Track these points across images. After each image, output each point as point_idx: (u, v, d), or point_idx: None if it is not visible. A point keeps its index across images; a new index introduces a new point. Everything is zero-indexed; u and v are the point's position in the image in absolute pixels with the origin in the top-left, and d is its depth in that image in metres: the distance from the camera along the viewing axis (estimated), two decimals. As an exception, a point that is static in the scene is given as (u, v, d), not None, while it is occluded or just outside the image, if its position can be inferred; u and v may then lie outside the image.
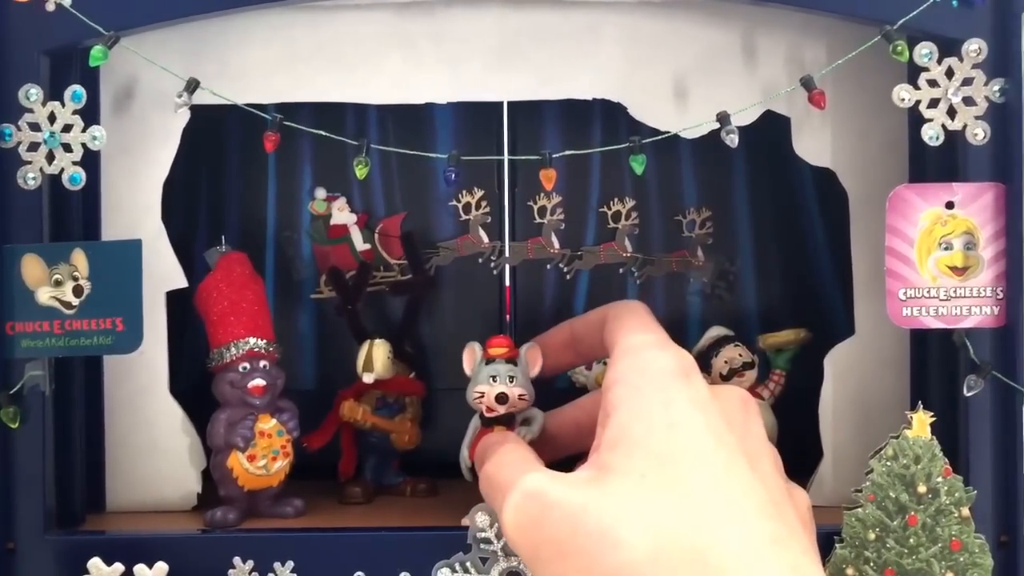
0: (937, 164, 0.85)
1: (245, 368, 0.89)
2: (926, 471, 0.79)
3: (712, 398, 0.59)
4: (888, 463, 0.79)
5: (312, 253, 1.08)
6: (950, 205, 0.83)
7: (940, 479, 0.79)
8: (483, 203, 1.07)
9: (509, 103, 1.04)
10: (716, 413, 0.57)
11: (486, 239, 1.07)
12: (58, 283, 0.81)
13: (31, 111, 0.81)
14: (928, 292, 0.82)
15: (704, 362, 1.00)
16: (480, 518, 0.80)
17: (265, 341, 0.91)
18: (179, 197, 1.02)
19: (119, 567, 0.80)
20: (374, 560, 0.83)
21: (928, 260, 0.82)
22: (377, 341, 0.97)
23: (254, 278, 0.94)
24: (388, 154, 0.95)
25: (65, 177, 0.82)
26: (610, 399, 0.58)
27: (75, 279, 0.81)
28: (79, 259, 0.81)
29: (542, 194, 1.06)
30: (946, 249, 0.82)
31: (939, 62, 0.82)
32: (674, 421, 0.54)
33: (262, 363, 0.90)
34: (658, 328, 0.66)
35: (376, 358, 0.96)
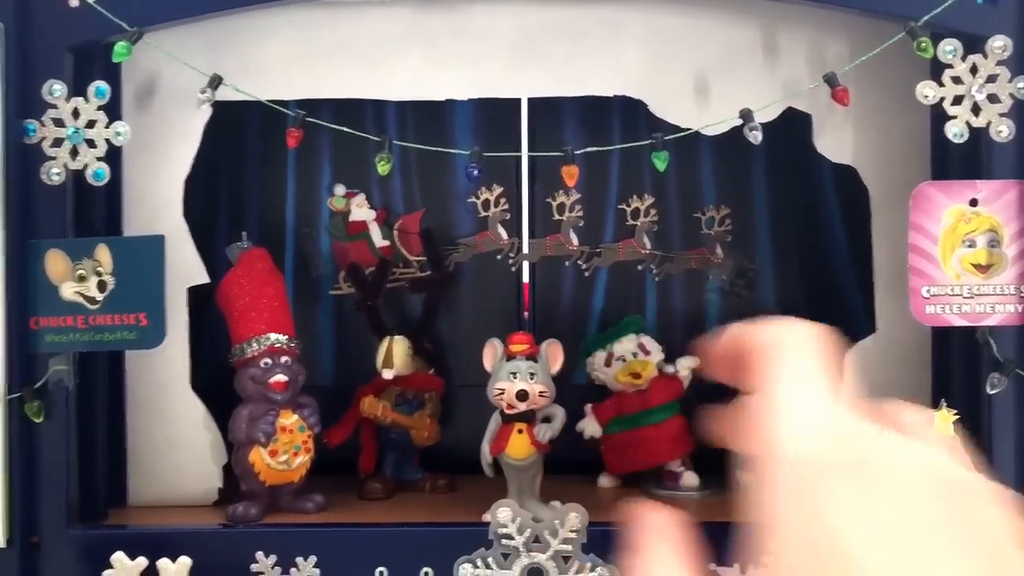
0: (960, 161, 0.85)
1: (267, 364, 0.90)
2: (949, 469, 0.78)
3: (926, 505, 0.31)
4: (911, 461, 0.79)
5: (331, 249, 1.08)
6: (974, 202, 0.82)
7: (963, 477, 0.79)
8: (502, 200, 1.07)
9: (528, 100, 1.04)
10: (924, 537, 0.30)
11: (505, 236, 1.07)
12: (82, 278, 0.82)
13: (55, 107, 0.82)
14: (952, 290, 0.82)
15: (724, 359, 1.00)
16: (502, 513, 0.81)
17: (286, 337, 0.91)
18: (199, 193, 1.02)
19: (143, 561, 0.81)
20: (396, 556, 0.83)
21: (952, 257, 0.82)
22: (396, 337, 0.98)
23: (275, 274, 0.94)
24: (407, 151, 0.95)
25: (89, 173, 0.82)
26: (760, 510, 0.34)
27: (99, 274, 0.82)
28: (103, 254, 0.82)
29: (561, 191, 1.06)
30: (970, 246, 0.82)
31: (963, 59, 0.81)
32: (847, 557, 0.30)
33: (283, 359, 0.90)
34: (836, 381, 0.37)
35: (395, 354, 0.96)
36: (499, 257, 1.07)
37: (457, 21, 0.91)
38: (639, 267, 1.08)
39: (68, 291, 0.82)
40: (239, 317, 0.91)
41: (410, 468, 1.00)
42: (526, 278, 1.06)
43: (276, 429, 0.89)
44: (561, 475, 0.94)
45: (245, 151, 1.08)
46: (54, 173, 0.82)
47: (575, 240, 1.07)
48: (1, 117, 0.80)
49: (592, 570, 0.81)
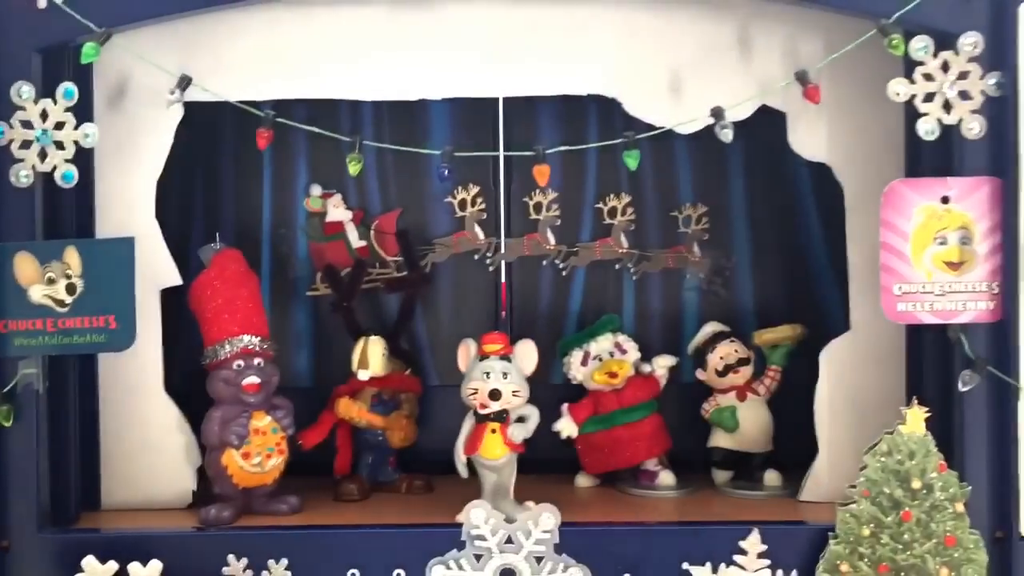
0: (933, 158, 0.85)
1: (239, 366, 0.89)
2: (920, 467, 0.79)
3: None
4: (882, 459, 0.79)
5: (308, 250, 1.08)
6: (945, 200, 0.82)
7: (935, 475, 0.79)
8: (478, 199, 1.07)
9: (504, 99, 1.03)
10: None
11: (482, 235, 1.06)
12: (51, 281, 0.81)
13: (23, 109, 0.81)
14: (923, 287, 0.82)
15: (700, 358, 1.00)
16: (475, 515, 0.80)
17: (259, 338, 0.91)
18: (173, 194, 1.02)
19: (113, 565, 0.80)
20: (368, 558, 0.82)
21: (923, 255, 0.82)
22: (372, 338, 0.97)
23: (249, 275, 0.94)
24: (383, 151, 0.94)
25: (58, 175, 0.81)
26: None
27: (68, 277, 0.81)
28: (72, 257, 0.81)
29: (537, 190, 1.06)
30: (941, 244, 0.82)
31: (935, 56, 0.81)
32: None
33: (256, 360, 0.90)
34: None
35: (371, 355, 0.96)
36: (476, 257, 1.07)
37: (432, 20, 0.91)
38: (616, 266, 1.08)
39: (37, 294, 0.81)
40: (212, 319, 0.90)
41: (387, 469, 1.00)
42: (503, 278, 1.06)
43: (249, 431, 0.88)
44: (538, 475, 0.94)
45: (219, 151, 1.08)
46: (23, 175, 0.81)
47: (552, 239, 1.07)
48: (-32, 119, 0.80)
49: (565, 571, 0.80)
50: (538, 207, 1.07)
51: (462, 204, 1.07)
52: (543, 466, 0.96)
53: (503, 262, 1.07)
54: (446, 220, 1.07)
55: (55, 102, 0.81)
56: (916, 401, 0.80)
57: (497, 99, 1.04)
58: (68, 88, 0.81)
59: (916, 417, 0.79)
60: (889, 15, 0.82)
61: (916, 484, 0.78)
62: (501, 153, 1.04)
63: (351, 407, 0.97)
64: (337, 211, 1.07)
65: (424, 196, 1.08)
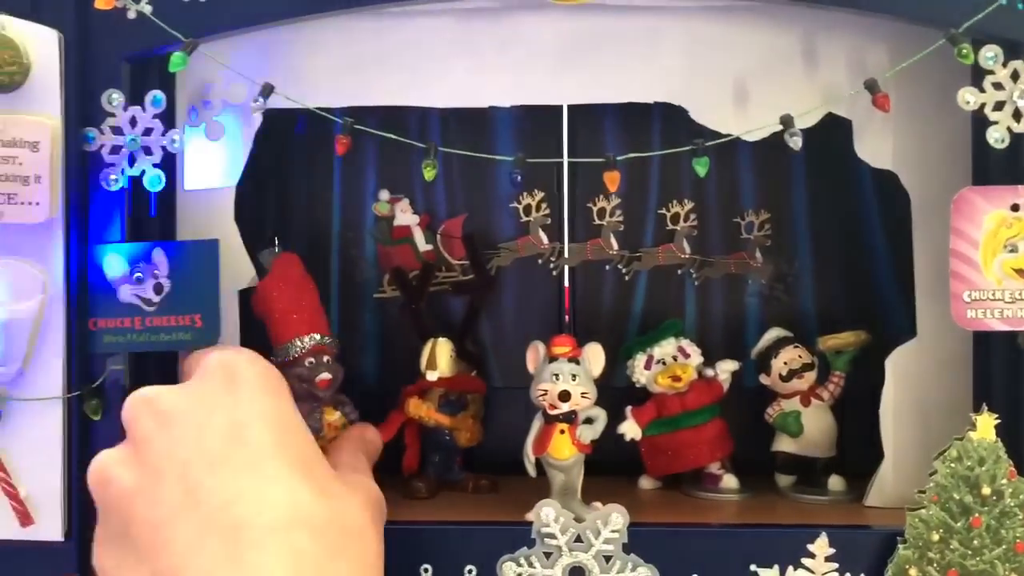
0: (1001, 167, 0.85)
1: (311, 363, 0.92)
2: (991, 473, 0.79)
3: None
4: (952, 465, 0.80)
5: (376, 253, 1.10)
6: (1015, 207, 0.83)
7: (1005, 481, 0.79)
8: (543, 205, 1.08)
9: (569, 106, 1.05)
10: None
11: (546, 240, 1.08)
12: (139, 281, 0.84)
13: (113, 115, 0.85)
14: (993, 294, 0.82)
15: (764, 363, 1.01)
16: (545, 513, 0.82)
17: (326, 336, 0.93)
18: (248, 198, 1.04)
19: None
20: (441, 554, 0.84)
21: (993, 262, 0.82)
22: (440, 340, 0.99)
23: (307, 277, 0.96)
24: (450, 157, 0.96)
25: (146, 179, 0.85)
26: None
27: (155, 277, 0.84)
28: (159, 258, 0.84)
29: (601, 196, 1.08)
30: (1011, 251, 0.82)
31: (1004, 65, 0.82)
32: None
33: (325, 357, 0.92)
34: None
35: (440, 356, 0.98)
36: (540, 261, 1.09)
37: (500, 30, 0.93)
38: (678, 271, 1.09)
39: (126, 293, 0.84)
40: (280, 319, 0.93)
41: (454, 468, 1.02)
42: (566, 282, 1.08)
43: (323, 425, 0.91)
44: (601, 476, 0.96)
45: (292, 158, 1.11)
46: (112, 179, 0.84)
47: (615, 244, 1.08)
48: (62, 125, 0.83)
49: (633, 570, 0.82)
50: (601, 212, 1.08)
51: (527, 209, 1.09)
52: (606, 468, 0.98)
53: (566, 266, 1.08)
54: (511, 225, 1.09)
55: (144, 109, 0.85)
56: (986, 407, 0.81)
57: (561, 107, 1.06)
58: (157, 96, 0.85)
59: (987, 423, 0.80)
60: (957, 24, 0.82)
61: (986, 490, 0.78)
62: (565, 160, 1.06)
63: (421, 406, 0.99)
64: (404, 216, 1.10)
65: (489, 201, 1.10)
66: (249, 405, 0.57)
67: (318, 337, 0.92)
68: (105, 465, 0.58)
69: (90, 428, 0.85)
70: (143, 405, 0.57)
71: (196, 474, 0.53)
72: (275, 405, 0.58)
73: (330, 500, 0.57)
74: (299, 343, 0.92)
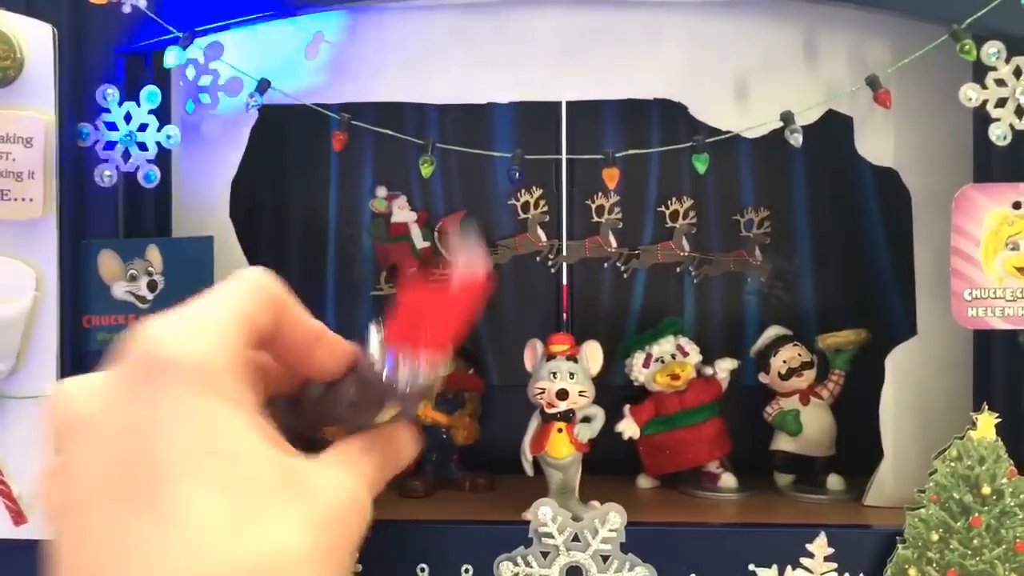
0: (1003, 164, 0.85)
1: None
2: (991, 472, 0.78)
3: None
4: (952, 464, 0.79)
5: (373, 250, 1.10)
6: (1017, 205, 0.82)
7: (1005, 480, 0.79)
8: (541, 202, 1.08)
9: (567, 103, 1.04)
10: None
11: (544, 237, 1.08)
12: (133, 278, 0.84)
13: (108, 111, 0.84)
14: (994, 292, 0.81)
15: (763, 361, 1.00)
16: (543, 512, 0.81)
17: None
18: (244, 195, 1.04)
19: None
20: (437, 553, 0.84)
21: (994, 260, 0.82)
22: (437, 337, 0.99)
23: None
24: (448, 153, 0.96)
25: (140, 175, 0.84)
26: None
27: (149, 274, 0.84)
28: (153, 255, 0.84)
29: (600, 193, 1.07)
30: (1013, 249, 0.82)
31: (1007, 61, 0.81)
32: None
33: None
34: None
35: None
36: (538, 259, 1.08)
37: (499, 25, 0.92)
38: (677, 269, 1.08)
39: (119, 290, 0.84)
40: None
41: (450, 467, 1.01)
42: (565, 279, 1.07)
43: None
44: (599, 475, 0.95)
45: (289, 154, 1.10)
46: (106, 175, 0.84)
47: (614, 242, 1.08)
48: (55, 120, 0.82)
49: (631, 569, 0.81)
50: (600, 210, 1.08)
51: (525, 206, 1.08)
52: (604, 467, 0.97)
53: (565, 264, 1.08)
54: (509, 222, 1.09)
55: (138, 104, 0.84)
56: (986, 406, 0.80)
57: (560, 103, 1.05)
58: (151, 91, 0.84)
59: (987, 422, 0.79)
60: (959, 20, 0.82)
61: (986, 490, 0.78)
62: (564, 156, 1.05)
63: (417, 405, 0.98)
64: (402, 212, 1.09)
65: (487, 198, 1.09)
66: (163, 407, 0.34)
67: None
68: (40, 476, 0.34)
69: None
70: (55, 409, 0.32)
71: (80, 517, 0.33)
72: (204, 406, 0.34)
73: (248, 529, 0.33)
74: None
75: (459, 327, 0.40)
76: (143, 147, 0.84)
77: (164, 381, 0.34)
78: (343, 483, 0.37)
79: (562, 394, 0.87)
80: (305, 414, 0.41)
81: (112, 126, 0.84)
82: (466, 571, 0.83)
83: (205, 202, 0.93)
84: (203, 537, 0.32)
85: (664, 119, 1.06)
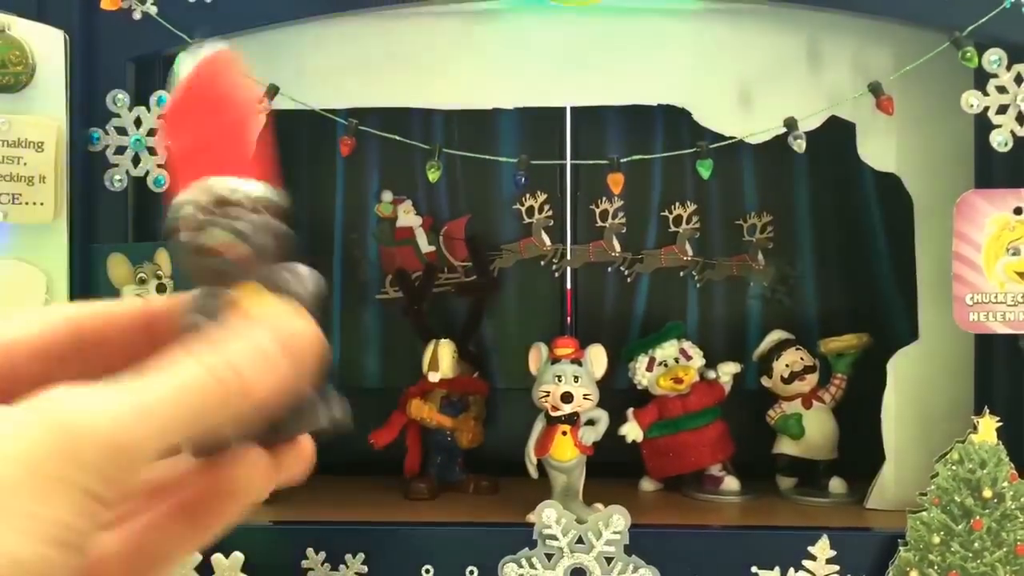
0: (1004, 170, 0.86)
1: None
2: (992, 476, 0.79)
3: None
4: (953, 467, 0.80)
5: (378, 254, 1.10)
6: (1018, 211, 0.83)
7: (1006, 484, 0.79)
8: (546, 206, 1.08)
9: (571, 108, 1.05)
10: None
11: (548, 242, 1.08)
12: (142, 282, 0.85)
13: (118, 116, 0.85)
14: (995, 297, 0.82)
15: (765, 365, 1.01)
16: (547, 514, 0.82)
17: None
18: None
19: (196, 556, 0.83)
20: (442, 555, 0.84)
21: (995, 265, 0.82)
22: (442, 341, 0.99)
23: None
24: (453, 158, 0.97)
25: (150, 179, 0.85)
26: None
27: (158, 278, 0.85)
28: (162, 259, 0.85)
29: (604, 198, 1.08)
30: (1014, 255, 0.82)
31: (1008, 68, 0.82)
32: None
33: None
34: None
35: (442, 358, 0.98)
36: (542, 263, 1.09)
37: (505, 32, 0.93)
38: (681, 273, 1.09)
39: (129, 294, 0.84)
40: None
41: (454, 469, 1.02)
42: (569, 283, 1.08)
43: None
44: (603, 478, 0.96)
45: (295, 158, 1.11)
46: (116, 180, 0.85)
47: (617, 246, 1.09)
48: (67, 125, 0.83)
49: (635, 571, 0.82)
50: (604, 215, 1.08)
51: (529, 211, 1.09)
52: (607, 469, 0.98)
53: (569, 268, 1.08)
54: (513, 226, 1.09)
55: (148, 109, 0.85)
56: (987, 410, 0.81)
57: (564, 108, 1.06)
58: (162, 96, 0.85)
59: (988, 426, 0.80)
60: (961, 28, 0.82)
61: (987, 493, 0.78)
62: (569, 162, 1.06)
63: (422, 408, 0.99)
64: (407, 217, 1.10)
65: (492, 203, 1.10)
66: None
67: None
68: None
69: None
70: None
71: None
72: None
73: None
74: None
75: (239, 128, 0.31)
76: (153, 151, 0.85)
77: None
78: (20, 417, 0.24)
79: (567, 397, 0.88)
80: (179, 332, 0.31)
81: (122, 131, 0.85)
82: (471, 573, 0.84)
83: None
84: None
85: (667, 125, 1.06)
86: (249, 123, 0.31)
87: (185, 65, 0.30)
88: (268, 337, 0.27)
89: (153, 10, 0.85)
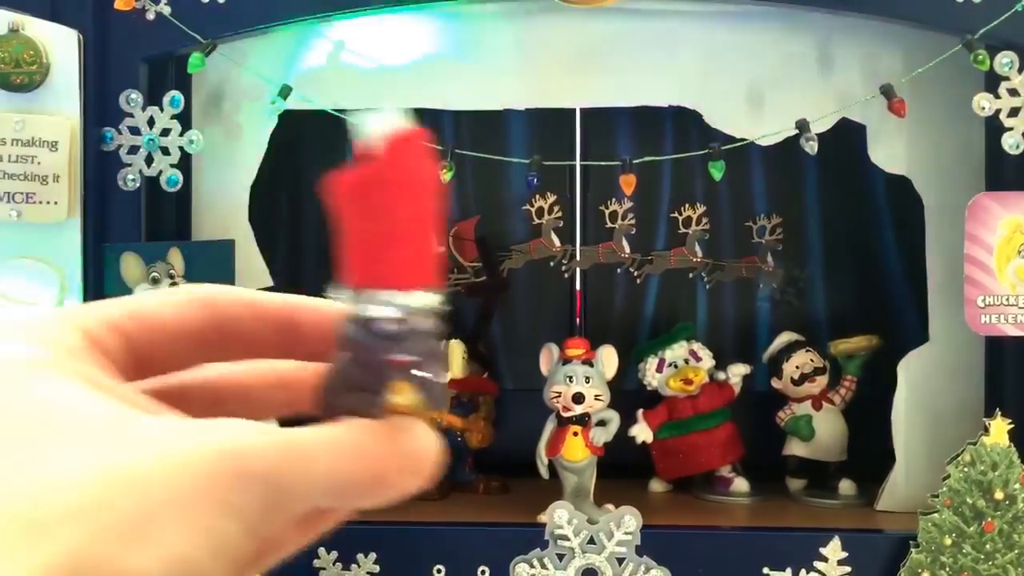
0: (1016, 172, 0.86)
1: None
2: (1003, 478, 0.79)
3: None
4: (965, 469, 0.80)
5: (388, 255, 1.10)
6: (1030, 213, 0.83)
7: (1018, 486, 0.79)
8: (555, 207, 1.09)
9: (581, 110, 1.05)
10: None
11: (558, 243, 1.09)
12: (155, 281, 0.85)
13: (131, 116, 0.85)
14: (1007, 300, 0.82)
15: (775, 367, 1.01)
16: (559, 515, 0.82)
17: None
18: (263, 199, 1.05)
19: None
20: (454, 555, 0.85)
21: (1007, 268, 0.82)
22: (452, 342, 1.00)
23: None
24: (462, 159, 0.97)
25: (163, 179, 0.85)
26: None
27: (171, 277, 0.85)
28: (175, 258, 0.85)
29: (613, 199, 1.08)
30: (1025, 257, 0.83)
31: (1020, 71, 0.82)
32: None
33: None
34: None
35: (452, 358, 0.99)
36: (552, 264, 1.09)
37: (515, 33, 0.93)
38: (690, 275, 1.09)
39: (141, 293, 0.85)
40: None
41: (464, 470, 1.02)
42: (578, 284, 1.08)
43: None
44: (613, 479, 0.96)
45: (305, 158, 1.11)
46: (130, 179, 0.85)
47: (627, 248, 1.09)
48: (80, 125, 0.83)
49: (646, 572, 0.82)
50: (613, 216, 1.09)
51: (539, 212, 1.09)
52: (616, 470, 0.98)
53: (578, 269, 1.09)
54: (523, 227, 1.10)
55: (162, 109, 0.85)
56: (999, 412, 0.81)
57: (574, 110, 1.06)
58: (175, 96, 0.85)
59: (1000, 428, 0.80)
60: (972, 30, 0.83)
61: (999, 495, 0.79)
62: (578, 163, 1.06)
63: (433, 408, 0.99)
64: (417, 217, 1.10)
65: (501, 204, 1.10)
66: None
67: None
68: None
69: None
70: None
71: None
72: None
73: None
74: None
75: (428, 226, 0.28)
76: (166, 151, 0.85)
77: None
78: (198, 434, 0.25)
79: (578, 398, 0.88)
80: (321, 405, 0.31)
81: (136, 131, 0.85)
82: (483, 572, 0.84)
83: (225, 206, 0.94)
84: None
85: (677, 126, 1.07)
86: (433, 218, 0.29)
87: (372, 132, 0.27)
88: (416, 447, 0.28)
89: (167, 10, 0.85)
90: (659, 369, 1.00)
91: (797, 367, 1.00)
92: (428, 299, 0.28)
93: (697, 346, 1.01)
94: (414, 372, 0.28)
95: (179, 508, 0.24)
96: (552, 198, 1.09)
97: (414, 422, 0.28)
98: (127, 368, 0.28)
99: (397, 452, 0.28)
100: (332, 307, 0.31)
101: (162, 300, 0.30)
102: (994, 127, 0.84)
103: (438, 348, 0.29)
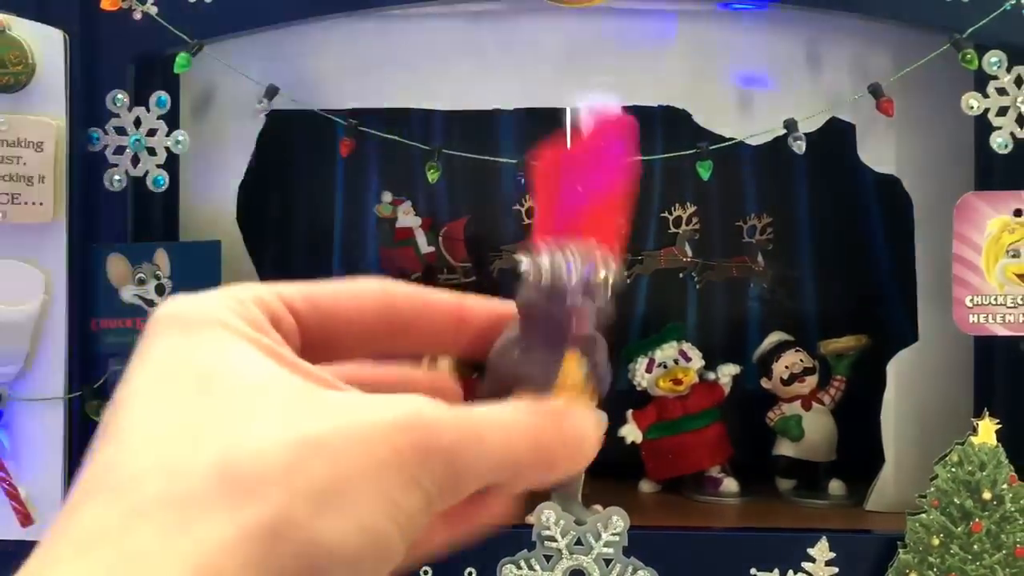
0: (1004, 172, 0.86)
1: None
2: (991, 478, 0.79)
3: None
4: (953, 469, 0.80)
5: (378, 255, 1.10)
6: (1018, 212, 0.83)
7: (1005, 486, 0.79)
8: (545, 208, 1.08)
9: (572, 109, 1.05)
10: None
11: (548, 243, 1.08)
12: (141, 282, 0.84)
13: (117, 116, 0.85)
14: (995, 299, 0.82)
15: (765, 367, 1.01)
16: (546, 515, 0.82)
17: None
18: (250, 200, 1.05)
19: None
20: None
21: (995, 267, 0.82)
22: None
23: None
24: (453, 159, 0.97)
25: (149, 180, 0.85)
26: None
27: (157, 278, 0.84)
28: (161, 259, 0.85)
29: (603, 199, 1.08)
30: (1014, 256, 0.82)
31: (1008, 70, 0.82)
32: None
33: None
34: None
35: (441, 359, 0.98)
36: (542, 264, 1.08)
37: (506, 33, 0.93)
38: (680, 275, 1.09)
39: (128, 294, 0.84)
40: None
41: (454, 470, 1.02)
42: (568, 285, 1.08)
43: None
44: (601, 479, 0.95)
45: (295, 159, 1.11)
46: (116, 180, 0.85)
47: (617, 247, 1.08)
48: (66, 125, 0.83)
49: (634, 573, 0.82)
50: (604, 216, 1.08)
51: (529, 212, 1.09)
52: (605, 471, 0.97)
53: (568, 269, 1.08)
54: (513, 228, 1.09)
55: (148, 110, 0.85)
56: (987, 412, 0.81)
57: (564, 109, 1.06)
58: (161, 97, 0.85)
59: (988, 428, 0.80)
60: (961, 29, 0.82)
61: (987, 495, 0.78)
62: (568, 162, 1.06)
63: (422, 409, 0.99)
64: (407, 218, 1.10)
65: (492, 204, 1.10)
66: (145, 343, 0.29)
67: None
68: None
69: (91, 428, 0.85)
70: None
71: None
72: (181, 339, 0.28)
73: None
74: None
75: (621, 206, 0.30)
76: (152, 152, 0.85)
77: (152, 326, 0.28)
78: (383, 407, 0.26)
79: (566, 398, 0.88)
80: (489, 382, 0.33)
81: (122, 131, 0.85)
82: (470, 574, 0.84)
83: (212, 207, 0.93)
84: (132, 447, 0.26)
85: (667, 126, 1.06)
86: (626, 199, 0.31)
87: (584, 112, 0.30)
88: (581, 433, 0.30)
89: (153, 10, 0.85)
90: (648, 369, 1.00)
91: (787, 367, 0.99)
92: (611, 274, 0.29)
93: (687, 346, 1.01)
94: (586, 348, 0.29)
95: (368, 479, 0.25)
96: (542, 198, 1.08)
97: (579, 406, 0.30)
98: (298, 349, 0.29)
99: (565, 436, 0.29)
100: (499, 303, 0.32)
101: (339, 288, 0.31)
102: (983, 126, 0.84)
103: (604, 333, 0.31)
